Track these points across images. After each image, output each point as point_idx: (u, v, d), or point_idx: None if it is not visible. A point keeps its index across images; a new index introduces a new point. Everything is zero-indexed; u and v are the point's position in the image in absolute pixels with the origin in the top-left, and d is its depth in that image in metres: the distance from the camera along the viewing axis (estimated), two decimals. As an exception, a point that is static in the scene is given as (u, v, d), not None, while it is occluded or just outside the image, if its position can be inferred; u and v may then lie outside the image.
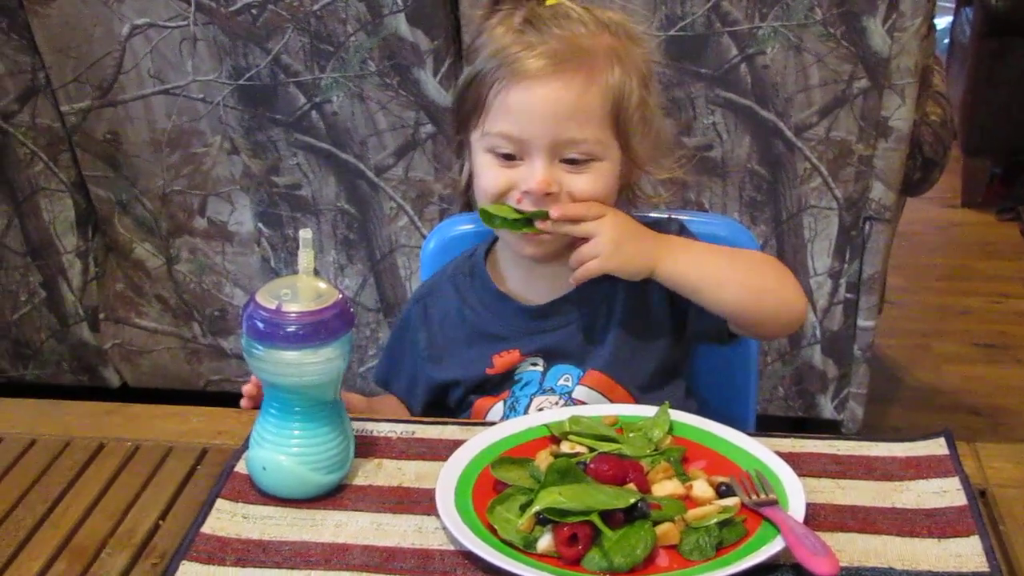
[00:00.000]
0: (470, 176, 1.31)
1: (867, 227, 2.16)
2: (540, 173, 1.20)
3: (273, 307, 1.01)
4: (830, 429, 2.35)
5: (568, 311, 1.31)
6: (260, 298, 1.02)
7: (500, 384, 1.32)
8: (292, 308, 1.01)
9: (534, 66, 1.19)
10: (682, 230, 1.32)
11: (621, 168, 1.25)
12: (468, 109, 1.25)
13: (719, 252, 1.27)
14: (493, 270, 1.36)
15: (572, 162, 1.21)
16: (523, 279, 1.34)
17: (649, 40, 1.28)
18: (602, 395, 1.29)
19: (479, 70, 1.22)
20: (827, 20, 1.97)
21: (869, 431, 2.41)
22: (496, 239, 1.36)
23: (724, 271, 1.24)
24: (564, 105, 1.19)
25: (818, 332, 2.26)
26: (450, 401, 1.35)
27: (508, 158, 1.22)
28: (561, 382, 1.30)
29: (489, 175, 1.24)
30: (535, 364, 1.31)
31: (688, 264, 1.23)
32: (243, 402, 1.22)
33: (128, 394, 2.52)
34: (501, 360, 1.32)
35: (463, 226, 1.45)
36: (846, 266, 2.19)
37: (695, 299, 1.24)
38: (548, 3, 1.23)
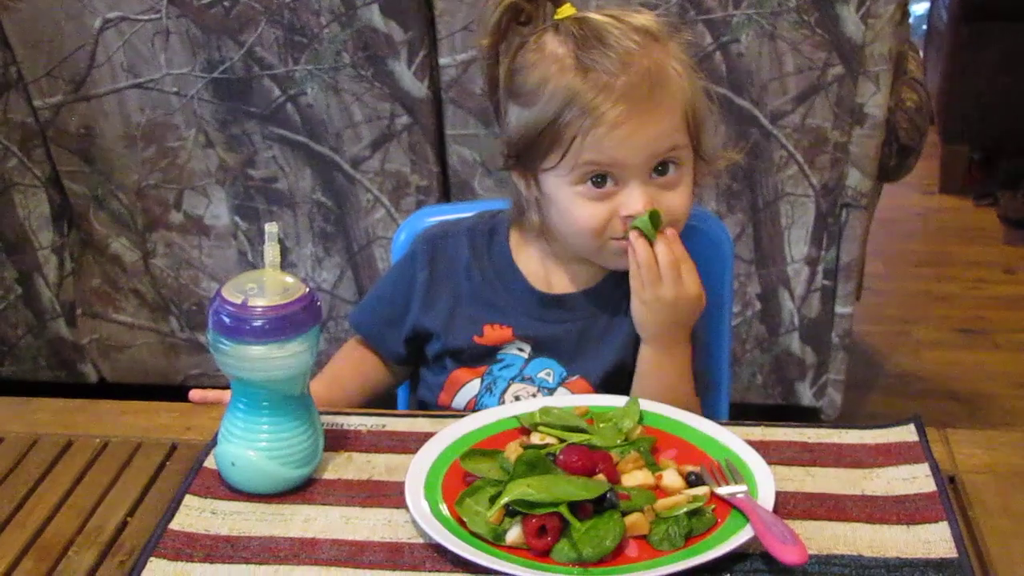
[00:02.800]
0: (529, 203, 1.29)
1: (844, 214, 2.16)
2: (641, 196, 1.20)
3: (239, 302, 1.00)
4: (809, 416, 2.36)
5: (573, 309, 1.31)
6: (226, 293, 1.02)
7: (482, 357, 1.32)
8: (258, 303, 1.01)
9: (619, 113, 1.18)
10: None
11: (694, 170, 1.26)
12: (540, 150, 1.23)
13: (678, 385, 1.27)
14: (514, 240, 1.35)
15: (663, 172, 1.22)
16: (543, 263, 1.33)
17: (675, 22, 1.27)
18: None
19: (554, 117, 1.20)
20: (801, 7, 1.97)
21: (848, 418, 2.41)
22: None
23: (662, 393, 1.23)
24: (655, 133, 1.20)
25: (796, 319, 2.27)
26: (428, 352, 1.35)
27: (599, 184, 1.21)
28: (542, 375, 1.30)
29: (585, 211, 1.22)
30: (521, 349, 1.31)
31: (660, 368, 1.26)
32: (192, 393, 1.25)
33: (106, 389, 2.51)
34: (492, 332, 1.31)
35: (435, 217, 1.45)
36: (823, 253, 2.20)
37: (636, 372, 1.28)
38: (561, 14, 1.22)
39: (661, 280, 1.21)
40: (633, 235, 1.20)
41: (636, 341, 1.28)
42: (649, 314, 1.23)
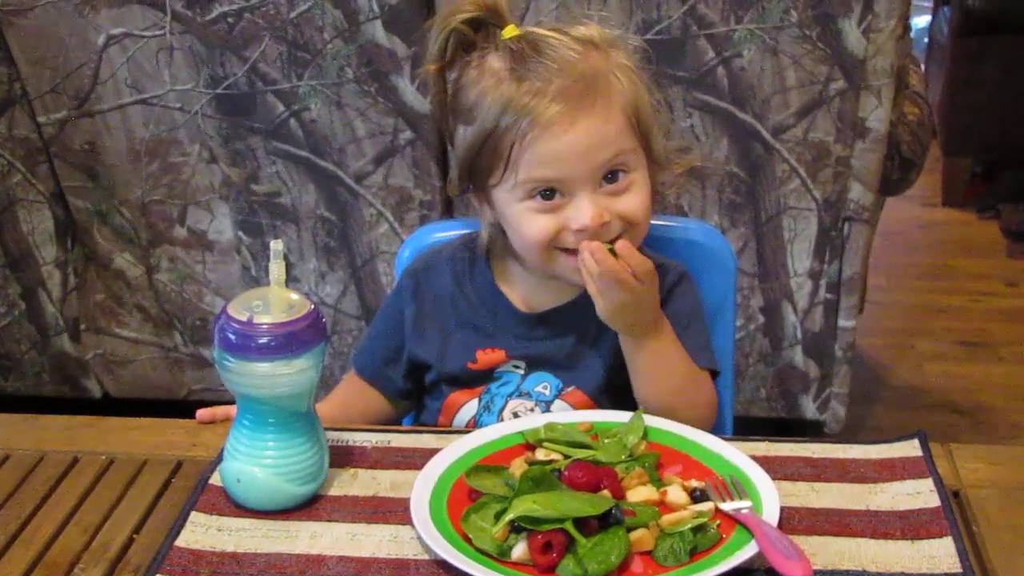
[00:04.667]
0: (491, 225, 1.29)
1: (846, 227, 2.16)
2: (589, 208, 1.19)
3: (244, 319, 1.01)
4: (812, 430, 2.36)
5: (560, 322, 1.31)
6: (231, 310, 1.02)
7: (477, 379, 1.32)
8: (264, 320, 1.01)
9: (554, 112, 1.17)
10: (682, 279, 1.32)
11: (649, 175, 1.25)
12: (485, 167, 1.22)
13: (675, 366, 1.26)
14: (494, 265, 1.35)
15: (612, 180, 1.20)
16: (524, 283, 1.33)
17: (622, 33, 1.27)
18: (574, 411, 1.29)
19: (492, 127, 1.20)
20: (803, 22, 1.98)
21: (851, 431, 2.41)
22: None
23: (663, 381, 1.25)
24: (595, 137, 1.19)
25: (799, 333, 2.27)
26: (425, 380, 1.36)
27: (547, 197, 1.20)
28: (539, 388, 1.30)
29: (534, 225, 1.21)
30: (517, 367, 1.32)
31: (647, 353, 1.24)
32: (200, 412, 1.25)
33: (110, 405, 2.52)
34: (485, 356, 1.32)
35: (439, 234, 1.45)
36: (826, 267, 2.20)
37: (628, 369, 1.26)
38: (505, 35, 1.22)
39: (612, 288, 1.18)
40: (581, 248, 1.18)
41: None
42: (614, 317, 1.22)
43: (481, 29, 1.23)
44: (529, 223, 1.22)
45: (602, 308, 1.21)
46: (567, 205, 1.20)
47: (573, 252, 1.21)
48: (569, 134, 1.18)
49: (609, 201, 1.20)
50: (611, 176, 1.20)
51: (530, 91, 1.18)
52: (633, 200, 1.22)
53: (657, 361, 1.25)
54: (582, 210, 1.19)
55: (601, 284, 1.18)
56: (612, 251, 1.17)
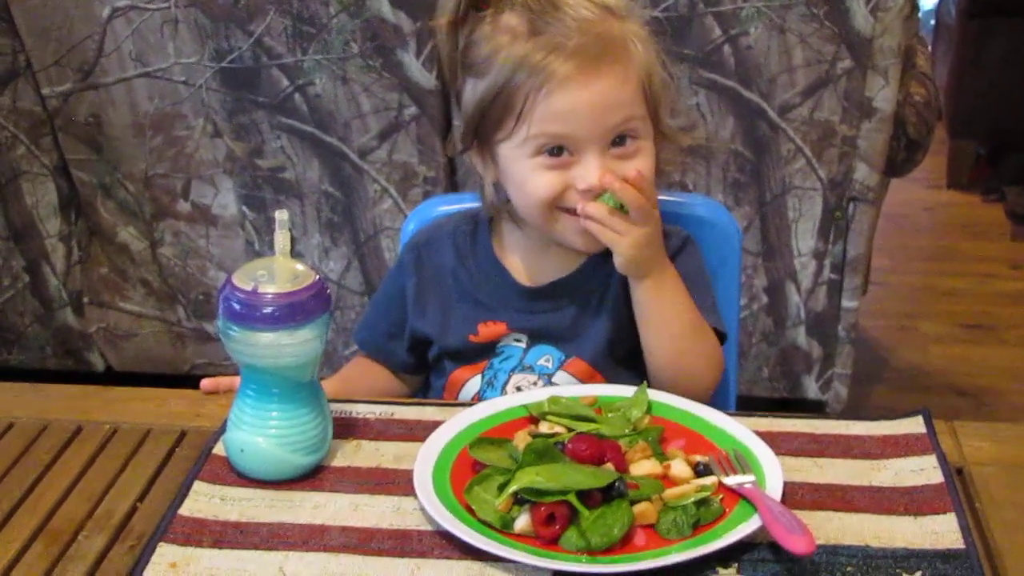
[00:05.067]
0: (493, 185, 1.29)
1: (851, 208, 2.16)
2: (597, 168, 1.19)
3: (249, 288, 1.01)
4: (815, 410, 2.36)
5: (561, 295, 1.31)
6: (236, 280, 1.02)
7: (480, 353, 1.32)
8: (269, 289, 1.01)
9: (570, 68, 1.17)
10: (687, 242, 1.33)
11: (656, 145, 1.25)
12: (494, 121, 1.22)
13: (684, 310, 1.26)
14: (496, 238, 1.35)
15: (620, 144, 1.20)
16: (525, 256, 1.33)
17: (636, 6, 1.27)
18: (582, 383, 1.29)
19: (504, 82, 1.19)
20: (810, 0, 1.97)
21: (853, 412, 2.41)
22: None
23: (673, 325, 1.25)
24: (609, 98, 1.19)
25: (802, 313, 2.27)
26: (429, 356, 1.36)
27: (556, 154, 1.20)
28: (541, 362, 1.30)
29: (540, 181, 1.21)
30: (518, 340, 1.32)
31: (658, 297, 1.24)
32: (204, 382, 1.25)
33: (113, 378, 2.52)
34: (487, 329, 1.32)
35: (443, 207, 1.45)
36: (830, 247, 2.20)
37: (637, 321, 1.26)
38: None
39: (629, 226, 1.19)
40: (585, 202, 1.19)
41: (625, 314, 1.28)
42: (635, 256, 1.21)
43: None
44: (535, 179, 1.21)
45: (618, 252, 1.21)
46: (574, 164, 1.20)
47: (575, 213, 1.21)
48: (584, 91, 1.18)
49: (616, 164, 1.20)
50: (619, 140, 1.21)
51: (547, 46, 1.18)
52: (640, 163, 1.21)
53: (668, 307, 1.25)
54: (589, 169, 1.19)
55: (617, 225, 1.18)
56: (622, 207, 1.18)
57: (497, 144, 1.24)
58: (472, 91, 1.24)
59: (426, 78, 2.09)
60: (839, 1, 1.97)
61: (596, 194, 1.19)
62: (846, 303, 2.25)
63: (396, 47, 2.07)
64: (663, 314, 1.25)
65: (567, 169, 1.20)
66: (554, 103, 1.18)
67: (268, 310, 1.00)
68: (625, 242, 1.20)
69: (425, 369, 1.39)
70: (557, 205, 1.22)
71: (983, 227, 3.64)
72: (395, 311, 1.37)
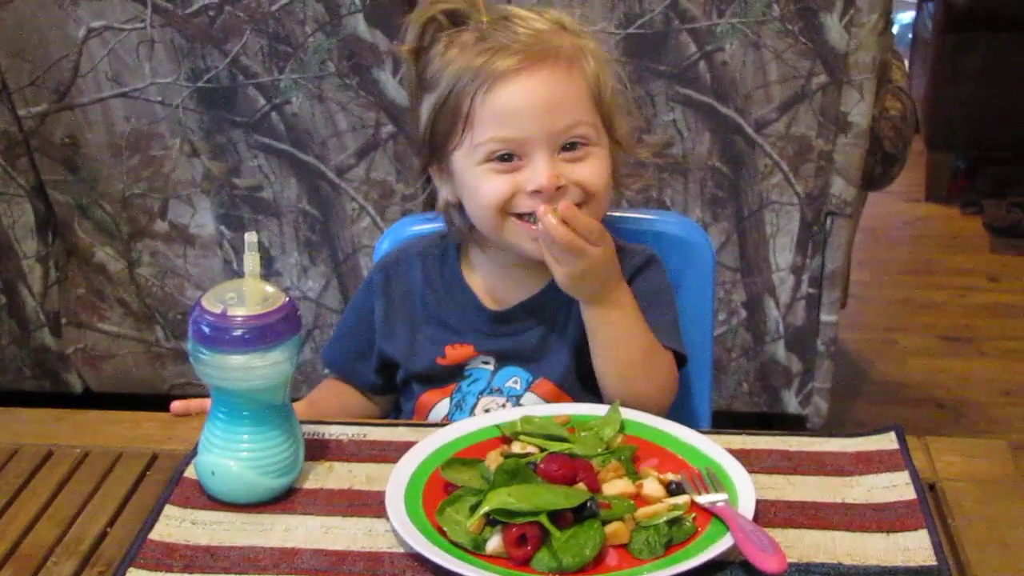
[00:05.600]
0: (450, 204, 1.29)
1: (828, 222, 2.17)
2: (545, 168, 1.18)
3: (219, 311, 1.00)
4: (795, 424, 2.36)
5: (527, 317, 1.31)
6: (205, 302, 1.01)
7: (448, 376, 1.32)
8: (238, 312, 1.00)
9: (512, 63, 1.18)
10: (650, 261, 1.32)
11: (610, 154, 1.25)
12: (444, 131, 1.22)
13: (635, 334, 1.25)
14: (464, 260, 1.35)
15: (571, 149, 1.20)
16: (490, 278, 1.33)
17: (599, 30, 1.28)
18: (549, 404, 1.29)
19: (450, 89, 1.20)
20: (785, 16, 1.98)
21: (834, 425, 2.42)
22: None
23: (620, 348, 1.24)
24: (553, 94, 1.19)
25: (781, 327, 2.27)
26: (397, 379, 1.35)
27: (506, 160, 1.20)
28: (509, 384, 1.30)
29: (489, 185, 1.21)
30: (486, 363, 1.31)
31: (605, 320, 1.24)
32: (174, 405, 1.24)
33: (91, 399, 2.50)
34: (454, 352, 1.31)
35: (417, 226, 1.45)
36: (808, 261, 2.20)
37: (589, 341, 1.25)
38: (485, 19, 1.22)
39: (567, 257, 1.18)
40: (540, 214, 1.17)
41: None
42: (573, 285, 1.21)
43: (460, 23, 1.23)
44: (485, 184, 1.21)
45: (559, 275, 1.20)
46: (524, 168, 1.20)
47: (527, 219, 1.20)
48: (527, 88, 1.18)
49: (566, 167, 1.20)
50: (570, 146, 1.20)
51: (492, 49, 1.19)
52: (591, 168, 1.21)
53: (616, 330, 1.24)
54: (538, 171, 1.19)
55: (555, 252, 1.18)
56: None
57: (450, 155, 1.24)
58: (426, 106, 1.25)
59: (403, 96, 2.09)
60: (813, 17, 1.97)
61: (545, 196, 1.18)
62: (825, 317, 2.25)
63: (372, 66, 2.07)
64: (610, 337, 1.25)
65: (517, 173, 1.20)
66: (497, 101, 1.18)
67: (238, 333, 1.00)
68: (559, 270, 1.20)
69: (394, 390, 1.38)
70: (508, 211, 1.22)
71: (962, 240, 3.65)
72: (363, 331, 1.37)
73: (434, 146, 1.25)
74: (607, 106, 1.24)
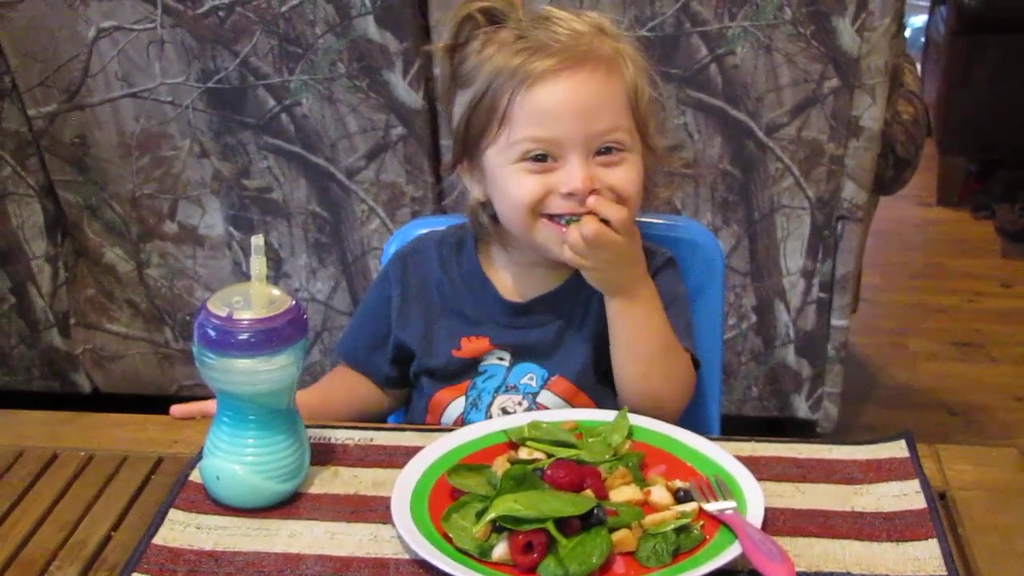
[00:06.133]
0: (480, 203, 1.28)
1: (839, 226, 2.16)
2: (580, 171, 1.18)
3: (224, 315, 1.00)
4: (805, 429, 2.35)
5: (545, 311, 1.31)
6: (211, 306, 1.01)
7: (462, 372, 1.31)
8: (244, 316, 1.00)
9: (552, 63, 1.18)
10: (668, 263, 1.32)
11: (644, 162, 1.25)
12: (479, 127, 1.22)
13: (657, 331, 1.25)
14: (482, 252, 1.34)
15: (606, 153, 1.20)
16: (510, 272, 1.33)
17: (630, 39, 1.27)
18: (567, 402, 1.29)
19: (487, 86, 1.20)
20: (796, 19, 1.97)
21: (844, 430, 2.41)
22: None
23: (641, 344, 1.24)
24: (592, 97, 1.19)
25: (792, 332, 2.26)
26: (410, 371, 1.35)
27: (540, 160, 1.19)
28: (525, 380, 1.29)
29: (523, 185, 1.20)
30: (501, 358, 1.31)
31: (629, 315, 1.24)
32: (174, 409, 1.23)
33: (99, 400, 2.50)
34: (470, 344, 1.31)
35: (427, 228, 1.44)
36: (819, 265, 2.19)
37: (610, 337, 1.25)
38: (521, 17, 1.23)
39: (591, 256, 1.19)
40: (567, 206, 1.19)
41: (605, 322, 1.27)
42: (603, 278, 1.22)
43: (496, 21, 1.24)
44: (518, 183, 1.21)
45: (590, 272, 1.21)
46: (558, 169, 1.19)
47: (557, 220, 1.20)
48: (566, 89, 1.18)
49: (600, 171, 1.19)
50: (605, 151, 1.20)
51: (532, 49, 1.19)
52: (625, 173, 1.21)
53: (639, 325, 1.24)
54: (572, 173, 1.18)
55: (579, 253, 1.18)
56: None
57: (483, 152, 1.23)
58: (460, 103, 1.25)
59: (413, 98, 2.09)
60: (825, 20, 1.96)
61: (579, 199, 1.18)
62: (835, 321, 2.24)
63: (382, 67, 2.07)
64: (632, 332, 1.24)
65: (551, 174, 1.20)
66: (536, 100, 1.18)
67: (244, 336, 0.99)
68: (589, 265, 1.20)
69: (408, 384, 1.37)
70: (540, 212, 1.21)
71: (973, 244, 3.63)
72: (380, 322, 1.36)
73: (467, 143, 1.25)
74: (643, 113, 1.24)
